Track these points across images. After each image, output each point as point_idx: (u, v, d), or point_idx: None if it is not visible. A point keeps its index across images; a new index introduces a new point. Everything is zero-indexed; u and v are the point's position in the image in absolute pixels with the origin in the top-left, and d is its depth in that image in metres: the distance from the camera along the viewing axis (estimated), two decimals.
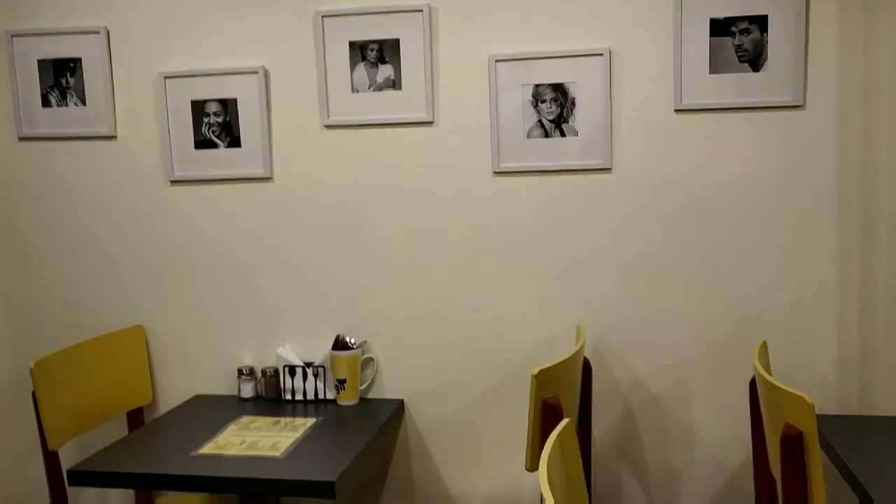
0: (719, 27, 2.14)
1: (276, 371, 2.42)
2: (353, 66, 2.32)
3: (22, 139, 2.51)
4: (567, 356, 1.92)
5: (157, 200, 2.47)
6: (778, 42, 2.11)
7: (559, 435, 1.39)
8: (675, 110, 2.18)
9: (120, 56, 2.43)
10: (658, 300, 2.25)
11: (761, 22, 2.11)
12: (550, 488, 1.18)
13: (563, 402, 1.85)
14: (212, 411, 2.33)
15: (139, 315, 2.52)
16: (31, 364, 2.10)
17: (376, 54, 2.30)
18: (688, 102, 2.17)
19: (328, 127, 2.36)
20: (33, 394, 2.11)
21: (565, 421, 1.43)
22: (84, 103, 2.46)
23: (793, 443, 1.56)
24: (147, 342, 2.52)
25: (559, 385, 1.87)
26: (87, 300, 2.54)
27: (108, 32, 2.42)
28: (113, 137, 2.47)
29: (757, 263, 2.20)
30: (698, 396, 2.26)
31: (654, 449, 2.30)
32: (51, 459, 2.12)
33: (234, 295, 2.47)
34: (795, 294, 2.19)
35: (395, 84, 2.30)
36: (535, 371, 1.79)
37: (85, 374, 2.30)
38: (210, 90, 2.39)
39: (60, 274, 2.54)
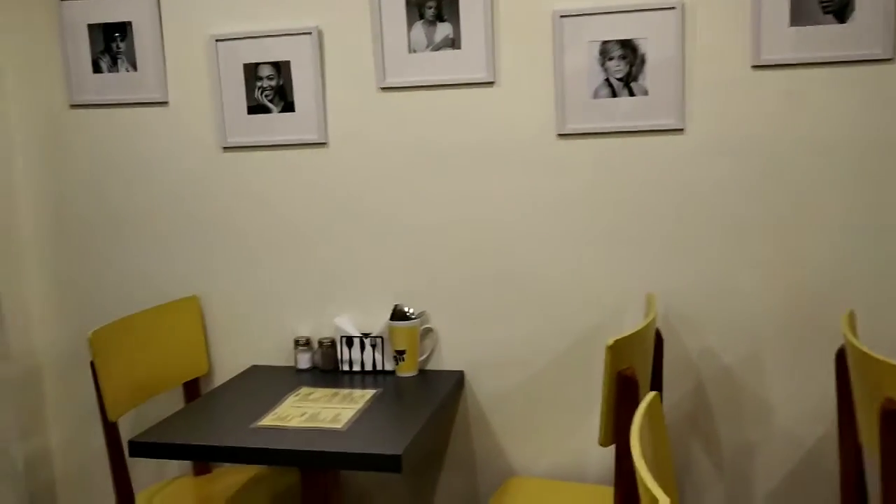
0: None
1: (334, 342, 2.37)
2: (409, 24, 2.22)
3: (73, 106, 2.47)
4: (641, 326, 1.83)
5: (209, 168, 2.41)
6: None
7: (647, 408, 1.30)
8: (753, 66, 2.06)
9: (171, 18, 2.36)
10: (732, 267, 2.14)
11: None
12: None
13: (638, 373, 1.76)
14: (269, 382, 2.28)
15: (194, 285, 2.47)
16: (90, 334, 2.07)
17: (434, 12, 2.20)
18: (766, 57, 2.04)
19: (384, 89, 2.27)
20: (92, 364, 2.08)
21: (652, 394, 1.35)
22: (135, 68, 2.40)
23: (894, 418, 1.45)
24: (202, 312, 2.48)
25: (634, 356, 1.78)
26: (141, 270, 2.50)
27: None
28: (164, 103, 2.41)
29: (840, 229, 2.07)
30: (774, 367, 2.16)
31: (726, 422, 2.20)
32: (110, 430, 2.10)
33: (290, 264, 2.41)
34: (881, 261, 2.06)
35: (453, 43, 2.21)
36: (610, 342, 1.70)
37: (141, 344, 2.27)
38: (263, 53, 2.31)
39: (114, 244, 2.51)
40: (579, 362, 2.26)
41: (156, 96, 2.40)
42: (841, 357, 1.85)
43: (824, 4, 1.99)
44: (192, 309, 2.45)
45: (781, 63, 2.04)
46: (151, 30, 2.36)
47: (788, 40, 2.03)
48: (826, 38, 2.00)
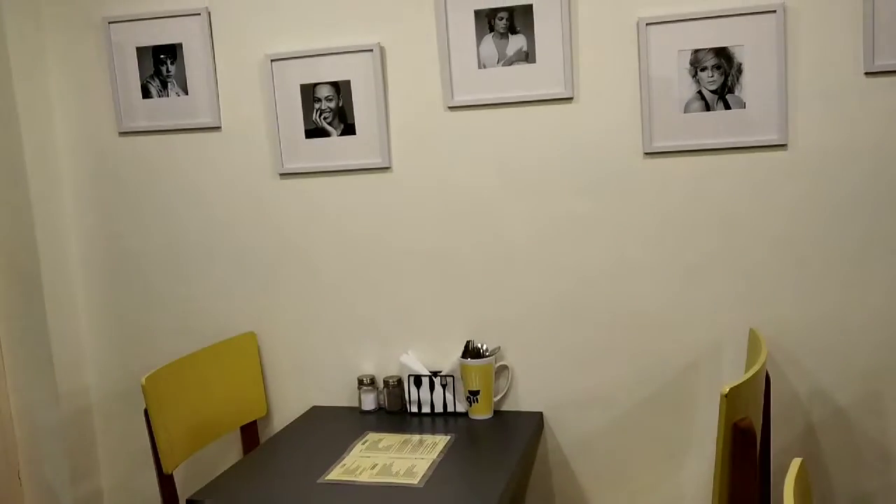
0: None
1: (400, 381, 2.20)
2: (479, 38, 2.05)
3: (122, 134, 2.34)
4: (755, 369, 1.62)
5: (266, 195, 2.26)
6: None
7: (796, 480, 1.10)
8: (866, 73, 1.84)
9: (222, 39, 2.22)
10: (844, 296, 1.92)
11: None
12: None
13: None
14: (332, 426, 2.12)
15: (250, 321, 2.32)
16: (143, 380, 1.92)
17: (506, 23, 2.03)
18: (882, 63, 1.82)
19: (452, 108, 2.10)
20: (146, 412, 1.93)
21: (798, 461, 1.15)
22: (186, 92, 2.26)
23: None
24: (260, 350, 2.32)
25: (748, 403, 1.58)
26: (194, 305, 2.36)
27: (210, 13, 2.21)
28: (217, 128, 2.27)
29: None
30: (895, 408, 1.93)
31: (841, 471, 1.98)
32: (165, 483, 1.95)
33: (352, 297, 2.24)
34: None
35: (528, 56, 2.03)
36: (725, 390, 1.49)
37: (197, 387, 2.12)
38: (321, 72, 2.16)
39: (167, 277, 2.37)
40: (672, 403, 2.05)
41: (208, 121, 2.26)
42: None
43: None
44: (249, 347, 2.30)
45: None
46: (203, 51, 2.23)
47: None
48: None
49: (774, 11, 1.86)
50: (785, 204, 1.93)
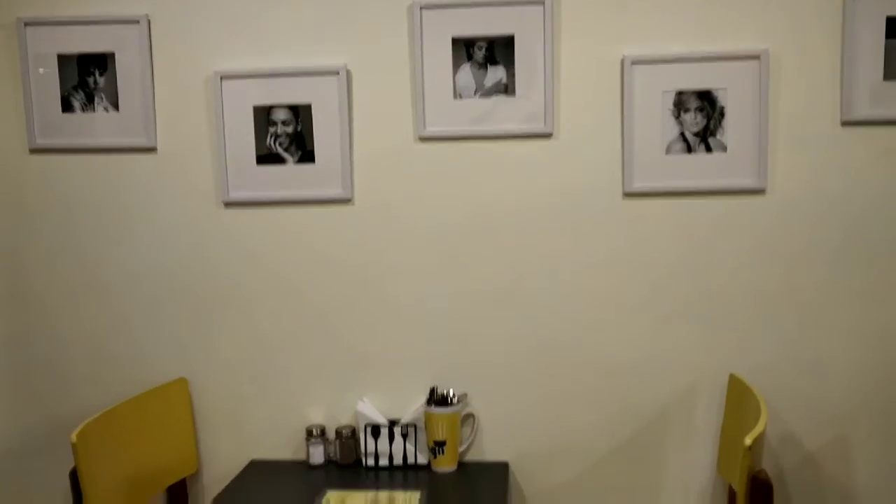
0: (895, 27, 1.84)
1: (354, 431, 2.01)
2: (456, 67, 1.94)
3: (35, 151, 2.04)
4: (764, 419, 1.57)
5: (206, 227, 2.03)
6: None
7: None
8: (843, 122, 1.88)
9: (164, 51, 1.99)
10: (815, 343, 1.94)
11: None
12: None
13: None
14: (280, 484, 1.90)
15: (182, 365, 2.07)
16: (73, 437, 1.64)
17: (485, 54, 1.93)
18: (858, 114, 1.87)
19: (423, 139, 1.97)
20: (73, 473, 1.65)
21: None
22: (116, 108, 2.01)
23: None
24: (191, 398, 2.07)
25: (761, 454, 1.53)
26: (116, 347, 2.08)
27: (150, 21, 1.98)
28: (152, 150, 2.02)
29: None
30: (862, 455, 1.95)
31: None
32: None
33: (301, 339, 2.05)
34: None
35: (507, 89, 1.94)
36: (749, 441, 1.44)
37: (124, 442, 1.85)
38: (278, 94, 1.97)
39: (78, 316, 2.07)
40: (645, 450, 1.99)
41: (141, 141, 2.01)
42: None
43: None
44: (179, 394, 2.04)
45: (874, 120, 1.87)
46: (139, 63, 1.98)
47: (882, 96, 1.86)
48: None
49: (758, 57, 1.87)
50: (761, 249, 1.93)
